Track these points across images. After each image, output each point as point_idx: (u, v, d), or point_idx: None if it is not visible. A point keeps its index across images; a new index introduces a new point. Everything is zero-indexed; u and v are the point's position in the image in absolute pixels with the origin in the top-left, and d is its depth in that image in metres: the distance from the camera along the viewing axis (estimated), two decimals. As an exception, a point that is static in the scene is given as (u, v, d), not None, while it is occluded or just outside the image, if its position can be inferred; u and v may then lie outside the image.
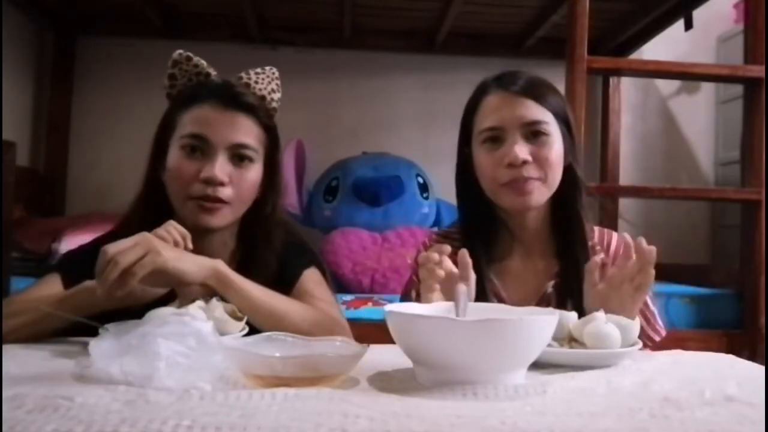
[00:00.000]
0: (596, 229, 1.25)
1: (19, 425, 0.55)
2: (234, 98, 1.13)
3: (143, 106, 3.09)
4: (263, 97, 1.17)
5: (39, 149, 2.98)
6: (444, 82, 3.15)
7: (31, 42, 2.92)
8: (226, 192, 1.10)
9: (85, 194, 3.01)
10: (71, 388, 0.67)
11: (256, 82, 1.18)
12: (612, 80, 3.11)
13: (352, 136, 3.09)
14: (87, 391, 0.66)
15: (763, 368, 0.88)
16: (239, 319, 0.97)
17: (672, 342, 1.13)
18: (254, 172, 1.14)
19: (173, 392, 0.66)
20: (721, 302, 2.27)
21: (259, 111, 1.15)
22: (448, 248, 1.04)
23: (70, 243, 2.27)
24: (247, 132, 1.13)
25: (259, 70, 1.20)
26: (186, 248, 1.00)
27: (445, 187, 2.80)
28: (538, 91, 1.16)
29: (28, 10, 2.75)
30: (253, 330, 0.97)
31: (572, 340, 0.95)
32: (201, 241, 1.12)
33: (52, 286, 1.09)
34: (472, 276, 1.04)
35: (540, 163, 1.13)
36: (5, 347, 0.90)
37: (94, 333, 0.83)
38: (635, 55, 3.08)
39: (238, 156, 1.11)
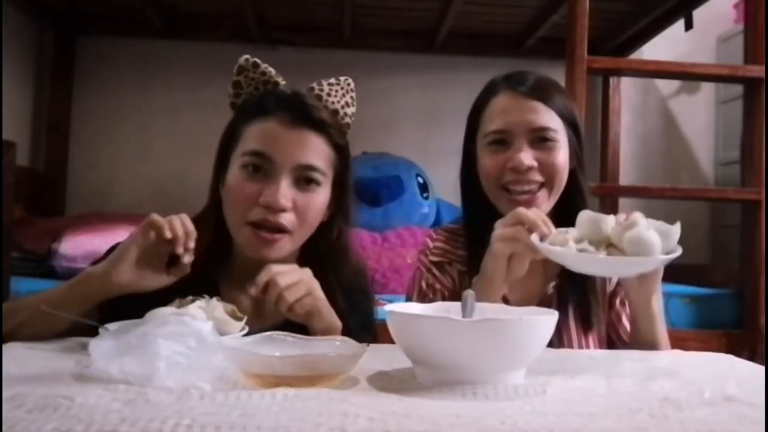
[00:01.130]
0: None
1: (19, 424, 0.55)
2: (304, 113, 1.03)
3: (143, 106, 3.10)
4: (336, 111, 1.07)
5: (39, 149, 2.99)
6: (444, 82, 3.15)
7: (31, 42, 2.92)
8: (287, 218, 1.01)
9: (85, 194, 3.01)
10: (71, 388, 0.67)
11: (329, 95, 1.07)
12: (612, 80, 3.11)
13: (352, 136, 3.08)
14: (87, 390, 0.66)
15: (763, 368, 0.88)
16: (239, 319, 0.97)
17: (672, 342, 1.13)
18: (321, 197, 1.04)
19: (173, 392, 0.66)
20: (721, 302, 2.27)
21: (331, 128, 1.05)
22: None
23: (70, 243, 2.27)
24: (316, 152, 1.03)
25: (333, 80, 1.10)
26: (187, 247, 0.97)
27: (445, 187, 2.80)
28: (547, 93, 1.15)
29: (28, 10, 2.75)
30: (252, 330, 0.96)
31: (609, 245, 0.91)
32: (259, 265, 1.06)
33: None
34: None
35: (545, 169, 1.13)
36: (5, 347, 0.90)
37: (94, 333, 0.83)
38: (635, 55, 3.08)
39: (304, 179, 1.02)
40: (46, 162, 2.97)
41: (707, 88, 3.23)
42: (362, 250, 2.46)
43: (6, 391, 0.64)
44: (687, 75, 2.66)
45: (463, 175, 1.25)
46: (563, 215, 1.19)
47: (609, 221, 0.93)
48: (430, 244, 1.25)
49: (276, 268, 0.95)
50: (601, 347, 1.18)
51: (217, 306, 0.95)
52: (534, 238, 0.97)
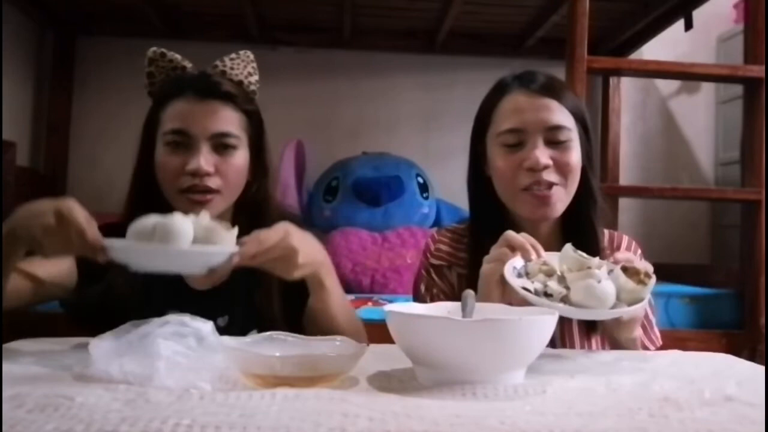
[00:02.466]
0: (606, 231, 1.23)
1: (19, 424, 0.55)
2: (210, 88, 1.14)
3: (143, 106, 3.09)
4: (240, 82, 1.18)
5: (39, 149, 2.98)
6: (444, 82, 3.15)
7: (31, 42, 2.92)
8: (213, 181, 1.12)
9: (85, 194, 3.01)
10: (71, 388, 0.67)
11: (232, 68, 1.18)
12: (612, 80, 3.11)
13: (352, 136, 3.09)
14: (87, 390, 0.66)
15: (763, 368, 0.88)
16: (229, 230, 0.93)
17: (672, 342, 1.13)
18: (239, 159, 1.15)
19: (173, 392, 0.67)
20: (721, 302, 2.27)
21: (238, 97, 1.16)
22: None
23: (70, 243, 2.27)
24: (227, 120, 1.14)
25: (233, 55, 1.20)
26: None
27: (445, 187, 2.80)
28: (559, 92, 1.14)
29: (28, 10, 2.75)
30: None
31: (564, 285, 0.92)
32: None
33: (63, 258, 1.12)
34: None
35: (560, 168, 1.11)
36: (5, 347, 0.90)
37: (93, 333, 0.83)
38: (635, 55, 3.08)
39: (221, 145, 1.13)
40: (46, 162, 2.97)
41: (707, 88, 3.23)
42: (362, 250, 2.47)
43: (6, 391, 0.64)
44: (687, 75, 2.66)
45: (471, 176, 1.22)
46: (573, 217, 1.18)
47: (591, 264, 0.93)
48: (432, 247, 1.24)
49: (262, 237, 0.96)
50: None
51: (205, 216, 0.92)
52: (516, 262, 0.97)
